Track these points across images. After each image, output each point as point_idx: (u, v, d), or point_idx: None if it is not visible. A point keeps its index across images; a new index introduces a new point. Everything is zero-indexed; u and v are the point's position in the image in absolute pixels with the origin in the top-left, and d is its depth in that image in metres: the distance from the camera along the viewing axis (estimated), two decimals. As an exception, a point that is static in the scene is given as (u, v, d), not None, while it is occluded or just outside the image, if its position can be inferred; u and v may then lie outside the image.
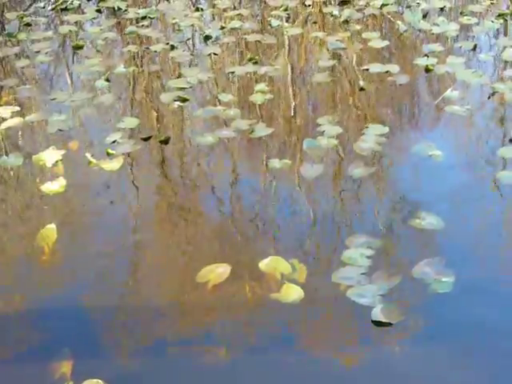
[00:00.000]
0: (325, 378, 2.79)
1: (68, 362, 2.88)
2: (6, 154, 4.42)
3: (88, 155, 4.29)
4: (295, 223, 3.66)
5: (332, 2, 6.58)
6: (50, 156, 4.33)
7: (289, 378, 2.80)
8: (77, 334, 3.04)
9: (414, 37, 5.84)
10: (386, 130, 4.36)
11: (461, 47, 5.48)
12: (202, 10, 6.64)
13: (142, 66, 5.60)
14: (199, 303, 3.19)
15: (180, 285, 3.31)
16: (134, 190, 4.05)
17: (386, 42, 5.62)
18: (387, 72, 5.12)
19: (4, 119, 4.81)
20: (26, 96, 5.22)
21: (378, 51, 5.52)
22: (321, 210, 3.75)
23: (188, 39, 6.06)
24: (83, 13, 6.78)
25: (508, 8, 6.24)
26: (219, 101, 4.88)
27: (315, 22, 6.23)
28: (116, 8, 6.79)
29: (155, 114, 4.88)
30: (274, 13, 6.39)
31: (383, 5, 6.34)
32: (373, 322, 2.98)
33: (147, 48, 5.87)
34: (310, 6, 6.54)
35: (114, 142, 4.45)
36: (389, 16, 6.22)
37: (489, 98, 4.72)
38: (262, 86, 5.02)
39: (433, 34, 5.74)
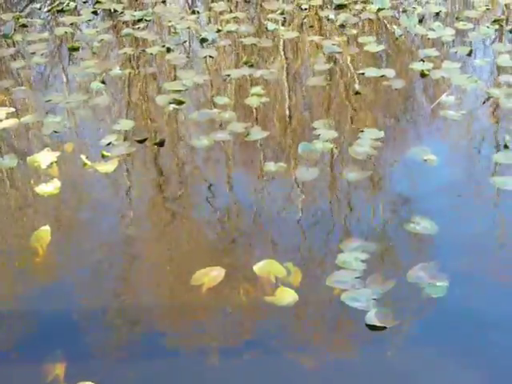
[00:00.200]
0: (318, 382, 2.78)
1: (61, 364, 2.87)
2: (1, 156, 4.41)
3: (83, 157, 4.28)
4: (290, 226, 3.66)
5: (328, 6, 6.59)
6: (44, 158, 4.32)
7: (282, 381, 2.80)
8: (70, 336, 3.03)
9: (409, 41, 5.86)
10: (382, 134, 4.37)
11: (456, 52, 5.50)
12: (198, 12, 6.64)
13: (137, 69, 5.60)
14: (193, 306, 3.19)
15: (174, 288, 3.30)
16: (129, 193, 4.05)
17: (382, 47, 5.63)
18: (383, 76, 5.13)
19: (-1, 120, 4.82)
20: (21, 97, 5.21)
21: (374, 55, 5.53)
22: (316, 214, 3.75)
23: (184, 42, 6.06)
24: (79, 14, 6.78)
25: (503, 14, 6.26)
26: (215, 104, 4.88)
27: (311, 26, 6.24)
28: (112, 10, 6.79)
29: (150, 116, 4.87)
30: (270, 16, 6.40)
31: (379, 9, 6.35)
32: (367, 325, 2.98)
33: (143, 50, 5.87)
34: (306, 9, 6.55)
35: (109, 144, 4.45)
36: (385, 20, 6.23)
37: (484, 103, 4.73)
38: (257, 89, 5.02)
39: (428, 38, 5.76)
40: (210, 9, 6.73)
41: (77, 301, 3.24)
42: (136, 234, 3.69)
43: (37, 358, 2.92)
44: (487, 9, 6.30)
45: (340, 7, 6.51)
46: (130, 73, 5.49)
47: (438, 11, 6.30)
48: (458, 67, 5.18)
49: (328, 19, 6.28)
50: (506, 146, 4.18)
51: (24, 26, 6.57)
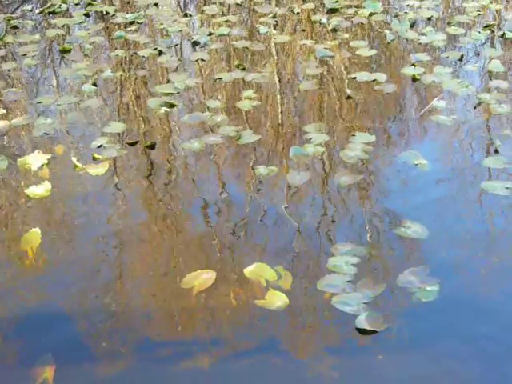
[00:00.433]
0: (308, 386, 2.79)
1: (50, 368, 2.87)
2: (-9, 157, 4.40)
3: (74, 159, 4.27)
4: (281, 230, 3.65)
5: (320, 10, 6.60)
6: (35, 160, 4.31)
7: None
8: (59, 339, 3.02)
9: (401, 46, 5.87)
10: (373, 138, 4.38)
11: (448, 57, 5.51)
12: (190, 15, 6.64)
13: (129, 71, 5.59)
14: (184, 309, 3.18)
15: (165, 291, 3.30)
16: (119, 195, 4.04)
17: (374, 51, 5.65)
18: (374, 81, 5.14)
19: (-10, 122, 4.80)
20: (12, 99, 5.20)
21: (366, 60, 5.54)
22: (307, 217, 3.75)
23: (176, 45, 6.06)
24: (71, 16, 6.78)
25: (495, 19, 6.28)
26: (206, 107, 4.88)
27: (303, 30, 6.25)
28: (104, 12, 6.79)
29: (142, 119, 4.87)
30: (262, 20, 6.40)
31: (371, 14, 6.37)
32: (357, 329, 2.98)
33: (135, 53, 5.86)
34: (298, 13, 6.56)
35: (100, 146, 4.44)
36: (377, 25, 6.24)
37: (475, 108, 4.75)
38: (249, 92, 5.02)
39: (420, 43, 5.77)
40: (202, 12, 6.73)
41: (66, 303, 3.23)
42: (127, 237, 3.68)
43: (26, 361, 2.91)
44: (478, 14, 6.33)
45: (332, 11, 6.52)
46: (121, 75, 5.48)
47: (429, 16, 6.32)
48: (449, 72, 5.20)
49: (320, 23, 6.29)
50: (496, 151, 4.19)
51: (15, 27, 6.56)
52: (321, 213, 3.80)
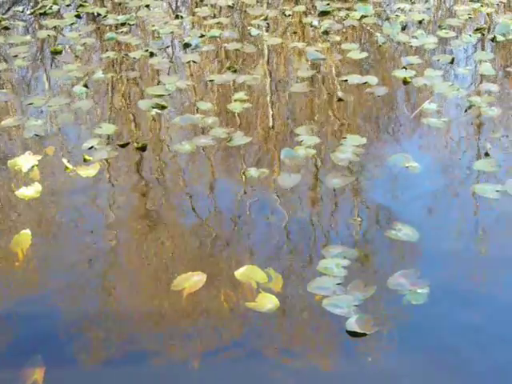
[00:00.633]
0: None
1: (40, 369, 2.86)
2: (-18, 158, 4.39)
3: (64, 161, 4.26)
4: (272, 232, 3.65)
5: (312, 13, 6.61)
6: (26, 161, 4.30)
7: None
8: (49, 341, 3.02)
9: (392, 49, 5.88)
10: (364, 140, 4.38)
11: (439, 60, 5.52)
12: (181, 17, 6.64)
13: (120, 73, 5.58)
14: (174, 311, 3.18)
15: (155, 293, 3.29)
16: (110, 197, 4.03)
17: (365, 54, 5.65)
18: (366, 83, 5.15)
19: (-20, 123, 4.79)
20: (3, 100, 5.19)
21: (357, 62, 5.55)
22: (297, 220, 3.75)
23: (167, 46, 6.05)
24: (62, 18, 6.76)
25: (485, 23, 6.30)
26: (197, 109, 4.88)
27: (295, 32, 6.25)
28: (95, 14, 6.77)
29: (133, 120, 4.86)
30: (253, 22, 6.40)
31: (363, 16, 6.38)
32: (348, 332, 2.98)
33: (126, 54, 5.85)
34: (289, 16, 6.56)
35: (91, 147, 4.43)
36: (368, 28, 6.25)
37: (465, 111, 4.76)
38: (240, 94, 5.02)
39: (411, 46, 5.79)
40: (193, 14, 6.73)
41: (56, 306, 3.22)
42: (117, 240, 3.68)
43: (16, 363, 2.90)
44: (469, 17, 6.34)
45: (324, 14, 6.52)
46: (112, 77, 5.47)
47: (420, 19, 6.34)
48: (440, 75, 5.21)
49: (311, 26, 6.30)
50: (486, 154, 4.20)
51: (6, 28, 6.55)
52: (312, 215, 3.80)
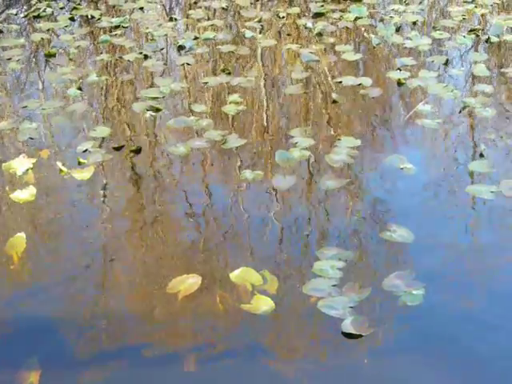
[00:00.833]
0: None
1: (36, 372, 2.85)
2: (-24, 162, 4.38)
3: (59, 164, 4.26)
4: (267, 234, 3.65)
5: (306, 15, 6.61)
6: (20, 164, 4.29)
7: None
8: (45, 344, 3.01)
9: (386, 50, 5.88)
10: (358, 142, 4.38)
11: (433, 61, 5.53)
12: (175, 19, 6.64)
13: (114, 75, 5.58)
14: (169, 314, 3.17)
15: (150, 295, 3.28)
16: (105, 200, 4.02)
17: (359, 55, 5.66)
18: (360, 85, 5.15)
19: (-26, 126, 4.78)
20: (-3, 103, 5.19)
21: (351, 64, 5.55)
22: (292, 222, 3.75)
23: (161, 49, 6.05)
24: (56, 20, 6.75)
25: (479, 24, 6.31)
26: (192, 111, 4.88)
27: (289, 34, 6.25)
28: (89, 16, 6.76)
29: (127, 123, 4.86)
30: (247, 24, 6.40)
31: (357, 18, 6.38)
32: (343, 333, 2.98)
33: (120, 57, 5.85)
34: (284, 17, 6.56)
35: (85, 150, 4.43)
36: (362, 29, 6.26)
37: (460, 112, 4.76)
38: (235, 96, 5.02)
39: (405, 47, 5.79)
40: (187, 16, 6.73)
41: (51, 308, 3.22)
42: (112, 242, 3.67)
43: (11, 366, 2.90)
44: (463, 18, 6.35)
45: (318, 16, 6.53)
46: (106, 79, 5.47)
47: (414, 20, 6.34)
48: (434, 76, 5.22)
49: (306, 27, 6.30)
50: (481, 155, 4.21)
51: (0, 31, 6.53)
52: (306, 217, 3.80)
